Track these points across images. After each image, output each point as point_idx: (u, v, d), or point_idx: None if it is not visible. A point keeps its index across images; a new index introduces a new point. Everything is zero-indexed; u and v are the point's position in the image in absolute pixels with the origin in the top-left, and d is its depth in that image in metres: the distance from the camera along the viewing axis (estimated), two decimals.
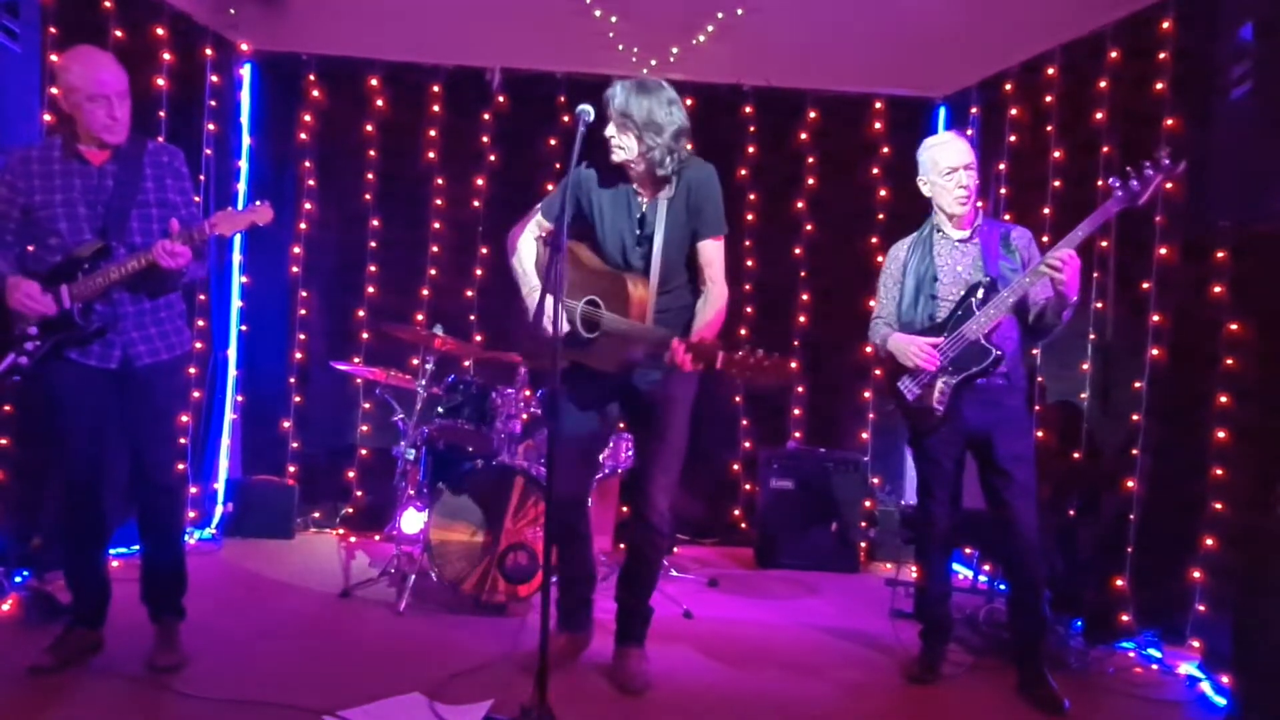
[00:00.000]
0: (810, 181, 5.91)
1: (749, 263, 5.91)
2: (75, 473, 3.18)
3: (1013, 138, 5.19)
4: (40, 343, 3.06)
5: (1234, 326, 3.71)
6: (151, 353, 3.20)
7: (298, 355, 5.75)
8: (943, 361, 3.37)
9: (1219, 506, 3.71)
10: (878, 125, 5.87)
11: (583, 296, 3.21)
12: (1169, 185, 3.24)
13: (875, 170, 5.87)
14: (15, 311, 3.05)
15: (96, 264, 3.07)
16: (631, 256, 3.27)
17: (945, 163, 3.44)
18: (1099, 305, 4.42)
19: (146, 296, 3.19)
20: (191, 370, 5.03)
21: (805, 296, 5.91)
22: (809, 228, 5.91)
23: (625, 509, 4.54)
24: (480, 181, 5.77)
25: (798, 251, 5.91)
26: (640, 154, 3.16)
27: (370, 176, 5.75)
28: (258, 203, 3.16)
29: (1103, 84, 4.49)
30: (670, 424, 3.30)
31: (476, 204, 5.73)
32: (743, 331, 5.89)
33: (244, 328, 5.71)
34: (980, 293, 3.36)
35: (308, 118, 5.71)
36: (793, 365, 2.79)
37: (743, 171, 5.89)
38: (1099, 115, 4.50)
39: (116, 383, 3.17)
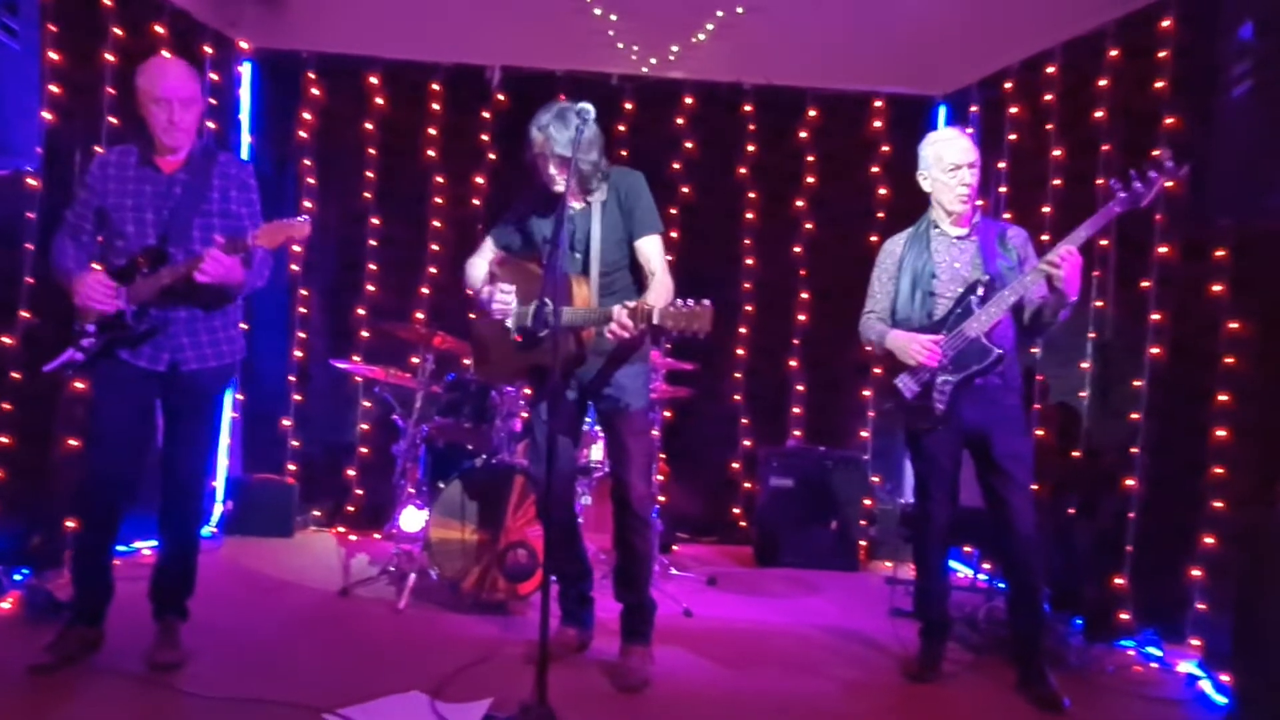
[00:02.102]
0: (810, 180, 5.91)
1: (749, 261, 5.91)
2: (100, 468, 3.22)
3: (1013, 136, 5.19)
4: (95, 340, 3.13)
5: (1234, 325, 3.71)
6: (199, 359, 3.25)
7: (297, 353, 5.75)
8: (943, 360, 3.36)
9: (1219, 505, 3.71)
10: (878, 124, 5.87)
11: (532, 301, 3.33)
12: (1169, 184, 3.24)
13: (875, 169, 5.87)
14: (78, 307, 3.12)
15: (154, 268, 3.12)
16: (570, 265, 3.37)
17: (949, 159, 3.43)
18: (1099, 303, 4.42)
19: (200, 303, 3.24)
20: None
21: (805, 295, 5.91)
22: (809, 226, 5.91)
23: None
24: (480, 180, 5.76)
25: (798, 250, 5.91)
26: (574, 175, 3.28)
27: (370, 175, 5.75)
28: (300, 218, 3.18)
29: (1103, 82, 4.49)
30: (629, 413, 3.42)
31: (476, 202, 5.73)
32: (743, 330, 5.89)
33: (244, 325, 5.68)
34: (980, 291, 3.36)
35: (307, 116, 5.71)
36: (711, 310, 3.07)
37: (742, 170, 5.89)
38: (1099, 114, 4.50)
39: (162, 385, 3.24)
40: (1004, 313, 3.32)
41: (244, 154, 5.63)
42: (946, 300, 3.44)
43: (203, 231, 3.21)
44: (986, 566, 4.71)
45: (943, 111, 5.90)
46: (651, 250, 3.38)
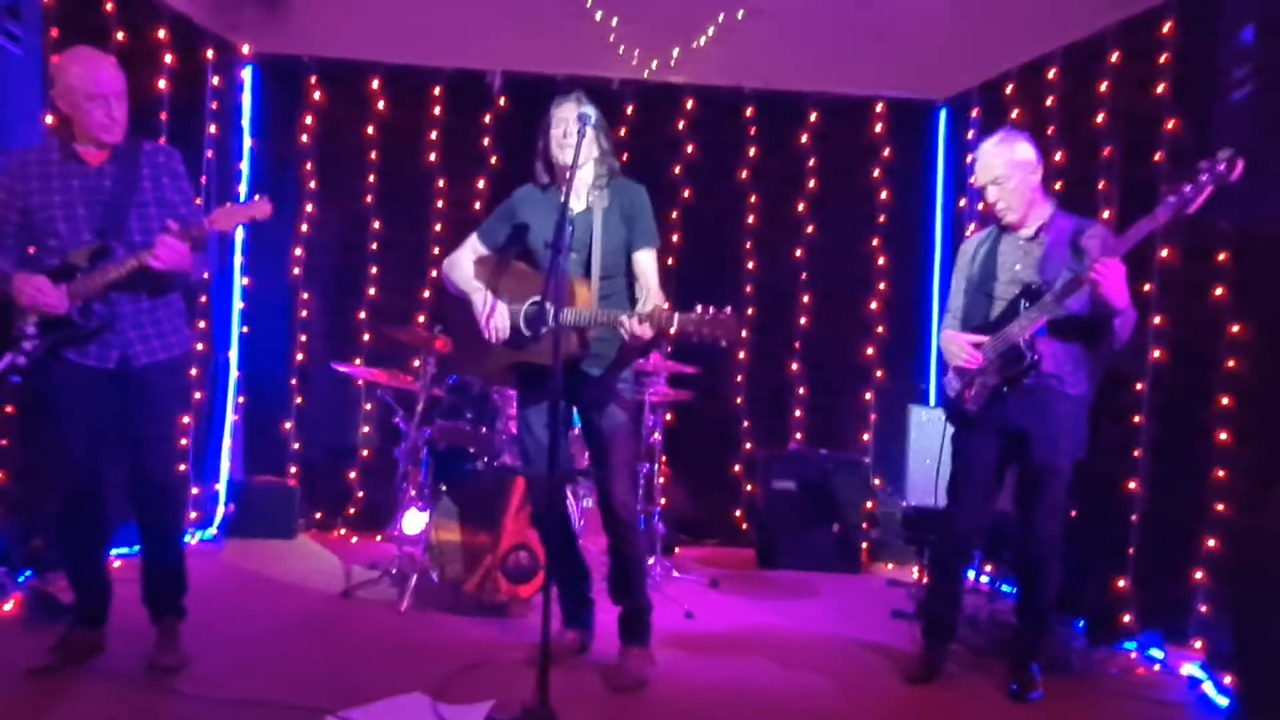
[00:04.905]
0: (811, 184, 5.91)
1: (750, 264, 5.92)
2: (73, 474, 3.17)
3: None
4: (38, 342, 3.05)
5: (1235, 328, 3.71)
6: (149, 353, 3.19)
7: (299, 356, 5.76)
8: (985, 362, 3.36)
9: (1220, 507, 3.71)
10: (878, 128, 5.88)
11: (525, 300, 3.33)
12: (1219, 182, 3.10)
13: (876, 173, 5.88)
14: (22, 308, 3.03)
15: (95, 264, 3.06)
16: (565, 263, 3.32)
17: (974, 179, 3.46)
18: None
19: (145, 295, 3.18)
20: (193, 371, 5.03)
21: (806, 298, 5.92)
22: (810, 230, 5.91)
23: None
24: (481, 184, 5.77)
25: (798, 253, 5.92)
26: (594, 155, 3.38)
27: (371, 178, 5.76)
28: (256, 197, 3.15)
29: (1103, 86, 4.49)
30: (615, 418, 3.40)
31: (477, 206, 5.73)
32: (744, 333, 5.89)
33: (245, 329, 5.72)
34: (1031, 293, 3.32)
35: (309, 120, 5.72)
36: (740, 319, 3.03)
37: (743, 174, 5.89)
38: (1100, 117, 4.50)
39: (114, 383, 3.16)
40: (1044, 317, 3.25)
41: (245, 158, 5.65)
42: (1002, 303, 3.41)
43: (140, 222, 3.15)
44: (989, 568, 4.71)
45: (943, 115, 5.91)
46: (649, 264, 3.39)
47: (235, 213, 3.13)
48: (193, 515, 5.20)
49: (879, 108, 5.87)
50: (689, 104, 5.85)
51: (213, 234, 3.15)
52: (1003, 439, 3.42)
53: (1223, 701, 3.42)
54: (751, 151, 5.89)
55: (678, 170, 5.83)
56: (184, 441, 5.02)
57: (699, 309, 2.97)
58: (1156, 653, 3.85)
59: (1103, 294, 3.13)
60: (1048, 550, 3.40)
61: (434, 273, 5.76)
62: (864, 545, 5.47)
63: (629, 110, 5.77)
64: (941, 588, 3.61)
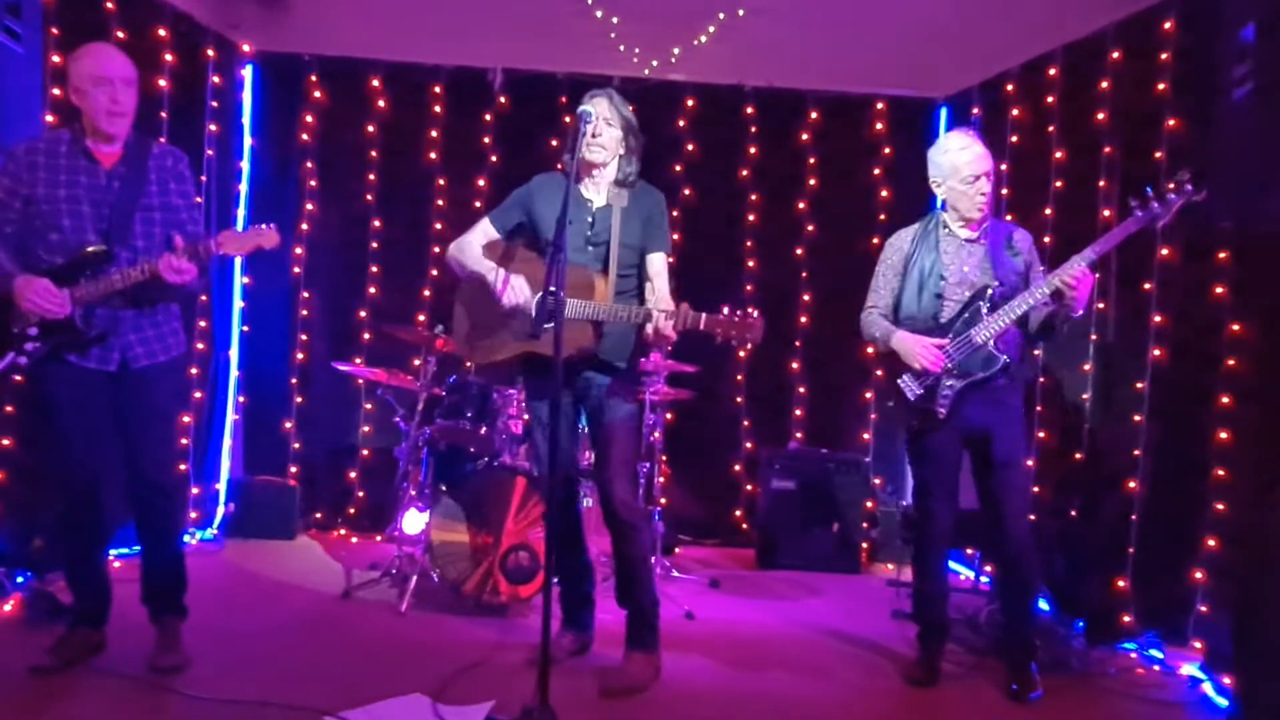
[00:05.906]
0: (811, 182, 5.91)
1: (750, 263, 5.91)
2: (73, 474, 3.18)
3: (1014, 138, 5.19)
4: (40, 344, 3.05)
5: (1235, 327, 3.71)
6: (149, 355, 3.20)
7: (299, 356, 5.76)
8: (948, 364, 3.36)
9: (1220, 507, 3.71)
10: (879, 126, 5.87)
11: (537, 291, 3.29)
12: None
13: (877, 171, 5.88)
14: (21, 311, 3.02)
15: (99, 269, 3.06)
16: (582, 258, 3.34)
17: (968, 171, 3.43)
18: (1100, 305, 4.42)
19: (145, 302, 3.19)
20: (193, 371, 5.04)
21: (807, 297, 5.92)
22: (810, 228, 5.91)
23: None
24: (482, 182, 5.77)
25: (799, 252, 5.91)
26: (619, 154, 3.41)
27: (372, 177, 5.76)
28: (264, 226, 3.16)
29: (1104, 85, 4.49)
30: (619, 414, 3.40)
31: (478, 204, 5.72)
32: None
33: (246, 328, 5.72)
34: (989, 296, 3.35)
35: (309, 118, 5.72)
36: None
37: (744, 172, 5.89)
38: (1100, 116, 4.50)
39: (114, 384, 3.17)
40: (1012, 322, 3.33)
41: (245, 157, 5.65)
42: (954, 304, 3.43)
43: (144, 226, 3.16)
44: (988, 569, 4.71)
45: (944, 114, 5.90)
46: (662, 267, 3.43)
47: (245, 241, 3.14)
48: (193, 515, 5.21)
49: (880, 106, 5.87)
50: (690, 102, 5.85)
51: (218, 255, 3.16)
52: (964, 437, 3.46)
53: (1222, 702, 3.42)
54: (752, 150, 5.88)
55: (678, 169, 5.82)
56: (184, 441, 5.04)
57: (725, 310, 3.02)
58: (1156, 653, 3.86)
59: (1071, 299, 3.22)
60: (1024, 544, 3.41)
61: (434, 272, 5.77)
62: (864, 545, 5.47)
63: (629, 108, 5.75)
64: (930, 587, 3.61)
